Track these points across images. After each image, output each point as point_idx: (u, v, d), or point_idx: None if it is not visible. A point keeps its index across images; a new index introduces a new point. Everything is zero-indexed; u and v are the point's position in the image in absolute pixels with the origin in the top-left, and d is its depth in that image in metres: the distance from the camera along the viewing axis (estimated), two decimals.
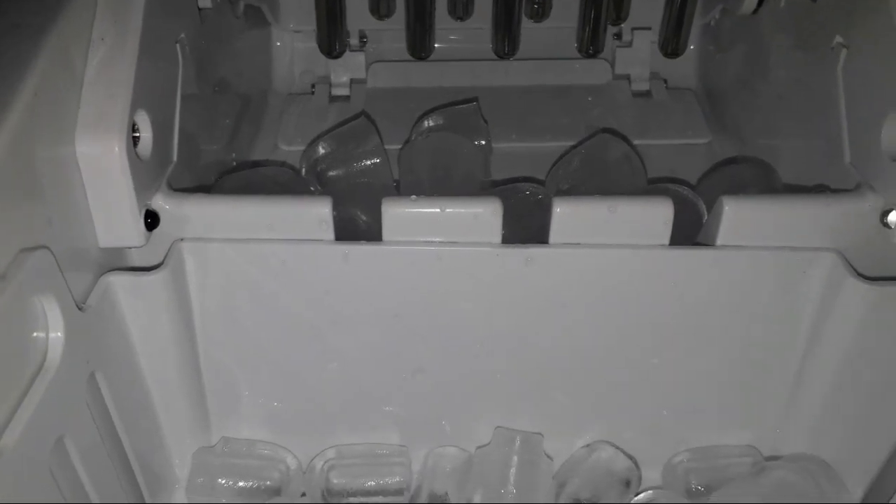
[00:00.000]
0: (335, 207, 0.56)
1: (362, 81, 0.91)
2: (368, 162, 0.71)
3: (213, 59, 0.72)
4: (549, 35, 0.90)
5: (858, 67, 0.60)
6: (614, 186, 0.70)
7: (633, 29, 0.91)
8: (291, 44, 0.93)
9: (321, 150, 0.73)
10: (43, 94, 0.46)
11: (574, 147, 0.74)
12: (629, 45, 0.91)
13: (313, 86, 0.91)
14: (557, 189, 0.70)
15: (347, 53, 0.89)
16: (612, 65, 0.92)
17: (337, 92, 0.90)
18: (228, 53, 0.77)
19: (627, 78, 0.91)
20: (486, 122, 0.79)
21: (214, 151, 0.72)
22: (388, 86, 0.91)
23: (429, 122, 0.77)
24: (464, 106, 0.79)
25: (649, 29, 0.90)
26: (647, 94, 0.91)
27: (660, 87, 0.91)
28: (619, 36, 0.92)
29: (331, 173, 0.72)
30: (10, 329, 0.41)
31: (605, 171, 0.70)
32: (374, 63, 0.91)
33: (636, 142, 0.79)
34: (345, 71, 0.91)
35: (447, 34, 0.91)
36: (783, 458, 0.65)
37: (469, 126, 0.77)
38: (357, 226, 0.66)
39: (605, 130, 0.78)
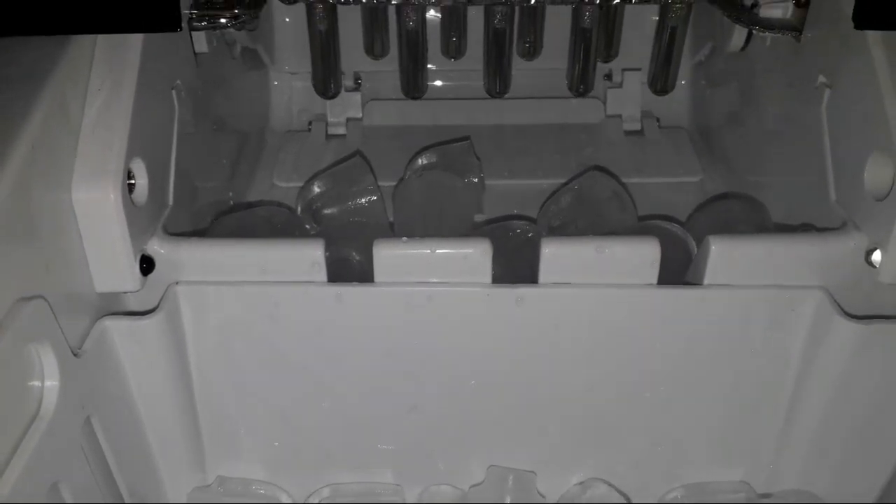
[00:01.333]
0: (330, 247, 0.57)
1: (358, 120, 0.92)
2: (363, 201, 0.72)
3: (210, 102, 0.73)
4: (542, 76, 0.91)
5: (841, 107, 0.61)
6: (604, 223, 0.70)
7: (624, 70, 0.92)
8: (289, 83, 0.94)
9: (316, 190, 0.74)
10: (40, 145, 0.48)
11: (565, 184, 0.75)
12: (620, 85, 0.93)
13: (310, 123, 0.93)
14: (549, 226, 0.71)
15: (343, 93, 0.90)
16: (605, 104, 0.94)
17: (333, 130, 0.92)
18: (226, 95, 0.79)
19: (620, 117, 0.92)
20: (478, 159, 0.80)
21: (212, 191, 0.74)
22: (384, 124, 0.92)
23: (422, 160, 0.78)
24: (457, 144, 0.80)
25: (639, 70, 0.91)
26: (639, 133, 0.92)
27: (652, 125, 0.93)
28: (609, 77, 0.93)
29: (326, 212, 0.73)
30: (5, 378, 0.42)
31: (596, 208, 0.71)
32: (369, 102, 0.93)
33: (628, 180, 0.80)
34: (341, 110, 0.92)
35: (441, 74, 0.93)
36: (775, 494, 0.65)
37: (462, 163, 0.78)
38: (352, 265, 0.67)
39: (596, 168, 0.79)
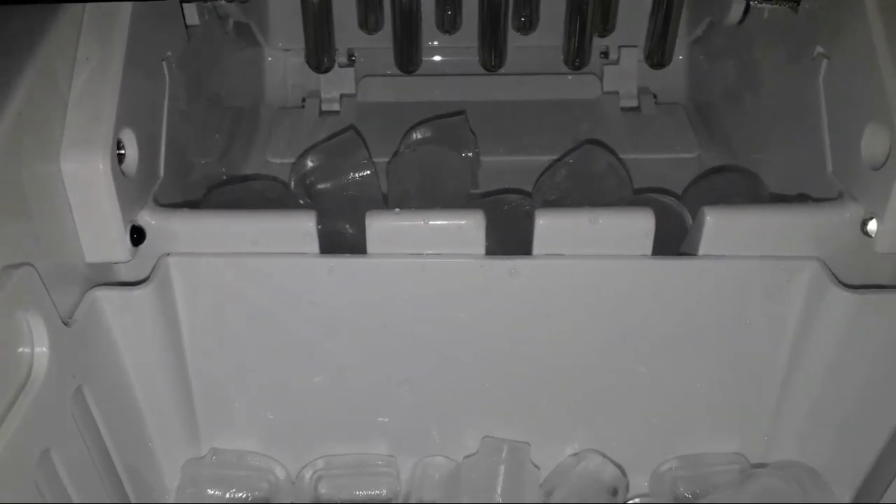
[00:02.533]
0: (323, 220, 0.57)
1: (352, 96, 0.92)
2: (356, 175, 0.72)
3: (202, 75, 0.73)
4: (539, 53, 0.91)
5: (839, 78, 0.60)
6: (600, 197, 0.70)
7: (620, 47, 0.91)
8: (283, 59, 0.94)
9: (310, 164, 0.73)
10: (28, 114, 0.47)
11: (560, 159, 0.75)
12: (616, 62, 0.92)
13: (304, 100, 0.92)
14: (544, 200, 0.71)
15: (337, 69, 0.90)
16: (601, 80, 0.93)
17: (327, 107, 0.91)
18: (218, 69, 0.78)
19: (616, 93, 0.92)
20: (473, 134, 0.80)
21: (204, 165, 0.73)
22: (378, 100, 0.92)
23: (417, 135, 0.77)
24: (452, 118, 0.80)
25: (636, 47, 0.90)
26: (636, 110, 0.92)
27: (649, 101, 0.92)
28: (606, 54, 0.93)
29: (319, 186, 0.72)
30: None
31: (591, 181, 0.71)
32: (363, 78, 0.92)
33: (625, 156, 0.80)
34: (335, 86, 0.92)
35: (436, 50, 0.93)
36: (770, 466, 0.65)
37: (457, 138, 0.78)
38: (345, 238, 0.66)
39: (591, 142, 0.78)
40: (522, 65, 0.91)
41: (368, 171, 0.72)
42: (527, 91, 0.92)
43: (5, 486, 0.42)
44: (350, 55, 0.92)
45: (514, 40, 0.88)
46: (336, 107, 0.91)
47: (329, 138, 0.79)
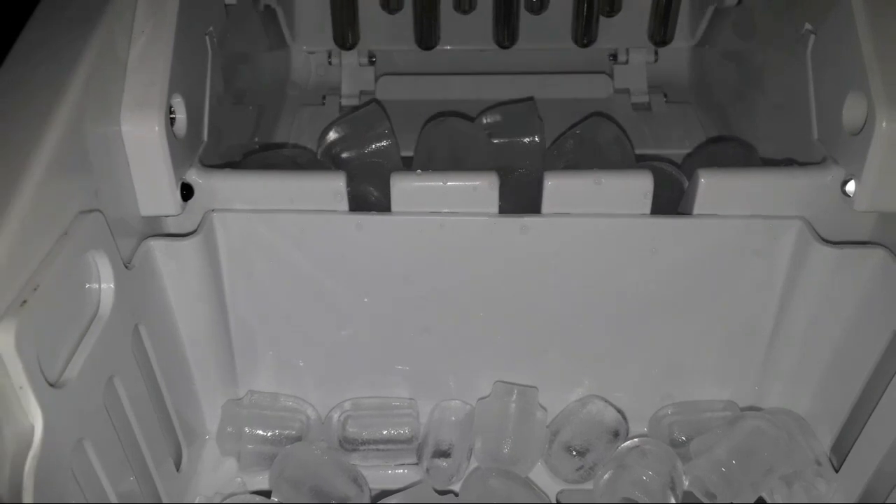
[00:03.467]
0: (350, 183, 0.62)
1: (371, 93, 0.97)
2: (379, 144, 0.77)
3: (237, 53, 0.78)
4: (551, 54, 0.96)
5: (824, 51, 0.65)
6: (605, 163, 0.75)
7: (629, 49, 0.97)
8: (306, 59, 1.00)
9: (335, 135, 0.78)
10: (92, 80, 0.53)
11: (568, 130, 0.79)
12: (626, 63, 0.98)
13: (324, 98, 0.97)
14: (553, 166, 0.76)
15: (357, 67, 0.96)
16: (612, 79, 0.98)
17: (347, 102, 0.97)
18: (251, 50, 0.84)
19: (627, 91, 0.97)
20: (541, 119, 0.81)
21: (239, 135, 0.79)
22: (396, 98, 0.96)
23: (486, 119, 0.80)
24: (521, 104, 0.82)
25: (644, 48, 0.97)
26: (646, 107, 0.96)
27: (659, 100, 0.97)
28: (615, 56, 0.98)
29: (344, 155, 0.78)
30: (70, 279, 0.48)
31: (597, 151, 0.76)
32: (382, 76, 0.98)
33: (637, 151, 0.82)
34: (355, 83, 0.97)
35: (451, 52, 0.98)
36: (760, 412, 0.70)
37: (525, 123, 0.79)
38: (369, 201, 0.72)
39: (598, 114, 0.83)
40: (536, 65, 0.96)
41: (389, 142, 0.77)
42: (539, 90, 0.95)
43: (81, 403, 0.48)
44: (370, 56, 0.98)
45: (527, 41, 0.93)
46: (355, 102, 0.96)
47: (353, 110, 0.84)
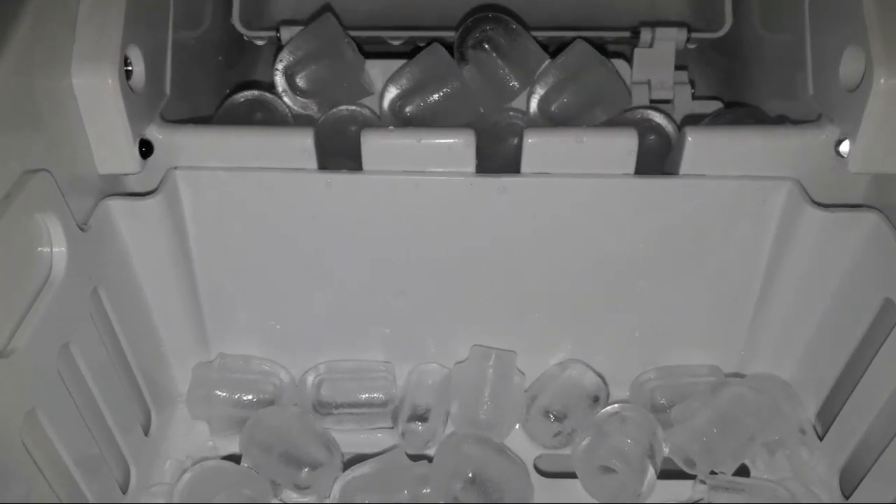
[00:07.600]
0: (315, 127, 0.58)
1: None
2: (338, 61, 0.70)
3: (203, 4, 0.74)
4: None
5: (822, 5, 0.62)
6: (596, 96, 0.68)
7: (655, 26, 0.78)
8: None
9: (290, 57, 0.70)
10: (39, 30, 0.50)
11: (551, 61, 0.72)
12: (649, 45, 0.78)
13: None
14: (538, 100, 0.69)
15: None
16: (631, 67, 0.78)
17: None
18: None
19: (648, 84, 0.79)
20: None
21: (208, 89, 0.76)
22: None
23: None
24: None
25: (674, 27, 0.78)
26: (668, 103, 0.79)
27: (685, 93, 0.80)
28: (637, 32, 0.79)
29: (304, 85, 0.70)
30: (15, 244, 0.46)
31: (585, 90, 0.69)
32: None
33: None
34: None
35: None
36: (745, 378, 0.69)
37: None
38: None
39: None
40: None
41: (350, 52, 0.69)
42: None
43: (32, 372, 0.46)
44: None
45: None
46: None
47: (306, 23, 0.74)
